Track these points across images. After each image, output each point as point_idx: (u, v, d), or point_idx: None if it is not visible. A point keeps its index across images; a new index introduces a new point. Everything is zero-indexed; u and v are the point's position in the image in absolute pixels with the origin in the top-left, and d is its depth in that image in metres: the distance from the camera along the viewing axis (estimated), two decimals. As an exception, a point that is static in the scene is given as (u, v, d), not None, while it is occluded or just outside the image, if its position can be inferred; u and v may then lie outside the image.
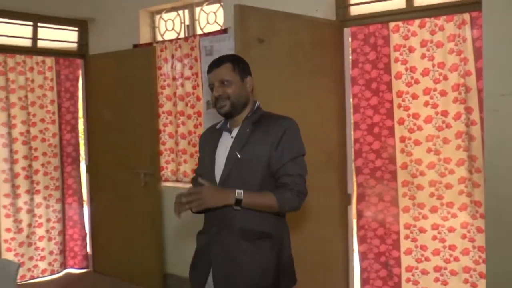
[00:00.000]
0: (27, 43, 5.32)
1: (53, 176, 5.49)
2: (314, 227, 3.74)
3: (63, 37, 5.58)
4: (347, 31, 3.94)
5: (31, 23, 5.30)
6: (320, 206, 3.73)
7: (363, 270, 4.00)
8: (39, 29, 5.36)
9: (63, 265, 5.60)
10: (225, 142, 2.55)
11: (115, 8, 5.40)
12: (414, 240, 3.77)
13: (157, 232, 4.96)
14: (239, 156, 2.46)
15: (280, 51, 3.57)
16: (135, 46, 5.16)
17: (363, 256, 4.00)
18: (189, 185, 4.87)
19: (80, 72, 5.70)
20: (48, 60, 5.44)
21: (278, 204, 2.39)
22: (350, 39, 3.96)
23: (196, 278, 2.61)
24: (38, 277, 5.38)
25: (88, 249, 5.76)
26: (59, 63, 5.53)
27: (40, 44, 5.40)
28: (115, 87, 5.25)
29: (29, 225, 5.30)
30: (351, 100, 4.00)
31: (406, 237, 3.80)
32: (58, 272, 5.53)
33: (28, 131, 5.30)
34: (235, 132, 2.55)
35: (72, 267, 5.67)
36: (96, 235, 5.63)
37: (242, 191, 2.35)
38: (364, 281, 4.01)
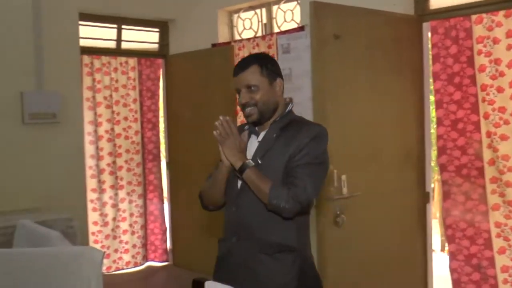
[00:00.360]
0: (112, 45, 5.61)
1: (136, 172, 5.73)
2: (392, 225, 3.70)
3: (145, 38, 5.83)
4: (426, 25, 3.86)
5: (115, 26, 5.57)
6: (398, 204, 3.71)
7: (452, 271, 3.86)
8: (123, 31, 5.62)
9: (145, 258, 5.83)
10: (252, 145, 2.43)
11: (194, 9, 5.57)
12: (506, 239, 3.59)
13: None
14: (259, 162, 2.33)
15: (356, 47, 3.56)
16: (213, 45, 5.29)
17: (452, 256, 3.86)
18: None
19: (161, 71, 5.92)
20: (131, 61, 5.69)
21: (269, 194, 2.23)
22: (429, 33, 3.86)
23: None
24: (122, 268, 5.64)
25: (168, 244, 5.96)
26: (141, 63, 5.77)
27: (124, 45, 5.67)
28: (194, 86, 5.40)
29: (114, 219, 5.58)
30: (431, 95, 3.93)
31: (498, 235, 3.62)
32: (140, 265, 5.77)
33: (112, 129, 5.57)
34: (262, 136, 2.42)
35: (153, 260, 5.89)
36: (176, 230, 5.83)
37: (253, 164, 2.26)
38: (455, 283, 3.85)
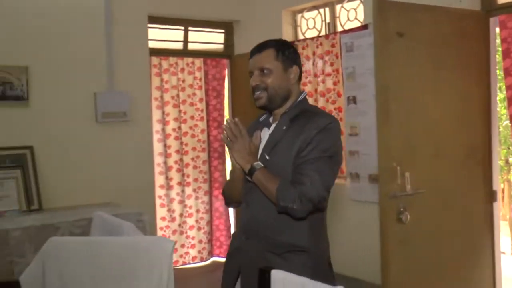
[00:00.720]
0: (179, 46, 5.81)
1: (202, 169, 5.91)
2: (457, 223, 3.67)
3: (210, 39, 6.00)
4: (493, 20, 3.79)
5: (182, 28, 5.76)
6: (463, 202, 3.68)
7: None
8: (189, 33, 5.80)
9: (210, 254, 6.00)
10: (264, 138, 2.37)
11: (259, 9, 5.70)
12: None
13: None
14: (267, 158, 2.27)
15: (420, 44, 3.54)
16: None
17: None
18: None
19: (226, 71, 6.08)
20: (197, 61, 5.87)
21: (276, 194, 2.16)
22: (497, 28, 3.80)
23: (225, 281, 2.48)
24: (189, 263, 5.84)
25: None
26: (207, 63, 5.94)
27: (190, 46, 5.86)
28: None
29: (181, 215, 5.78)
30: (501, 92, 3.85)
31: None
32: (206, 260, 5.96)
33: (179, 128, 5.77)
34: (272, 128, 2.36)
35: (218, 255, 6.04)
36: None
37: (262, 166, 2.20)
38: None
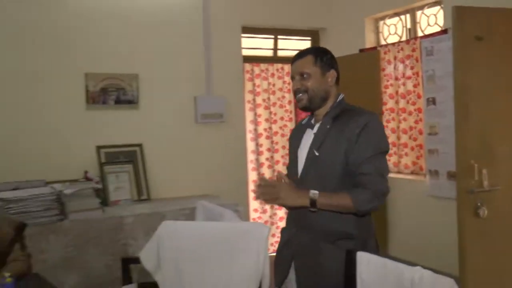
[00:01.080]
0: (269, 53, 6.03)
1: None
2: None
3: (298, 46, 6.10)
4: None
5: (272, 36, 5.98)
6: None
7: None
8: (279, 41, 5.99)
9: None
10: (308, 138, 2.46)
11: (343, 17, 5.81)
12: None
13: (380, 219, 5.19)
14: (316, 154, 2.34)
15: (498, 47, 3.62)
16: (361, 50, 5.51)
17: None
18: (409, 177, 5.16)
19: None
20: (286, 67, 6.08)
21: (353, 204, 2.24)
22: None
23: (278, 273, 2.54)
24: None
25: None
26: None
27: (280, 53, 6.06)
28: (344, 88, 5.57)
29: (272, 207, 6.03)
30: None
31: None
32: None
33: (270, 128, 6.06)
34: (316, 128, 2.44)
35: None
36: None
37: (317, 192, 2.25)
38: None
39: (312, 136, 2.43)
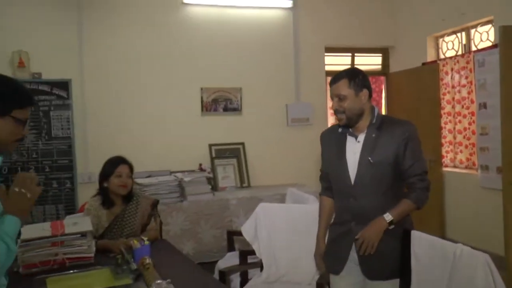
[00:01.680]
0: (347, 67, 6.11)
1: None
2: None
3: (370, 61, 6.15)
4: None
5: (350, 54, 6.01)
6: None
7: None
8: (355, 58, 6.01)
9: None
10: (353, 146, 2.36)
11: (409, 36, 5.75)
12: None
13: (439, 207, 5.18)
14: (371, 160, 2.29)
15: None
16: (423, 64, 5.46)
17: None
18: (463, 171, 5.06)
19: (383, 86, 6.19)
20: None
21: (416, 206, 2.29)
22: None
23: (335, 261, 2.45)
24: None
25: None
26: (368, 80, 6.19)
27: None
28: (407, 96, 5.58)
29: None
30: None
31: None
32: None
33: None
34: (361, 137, 2.35)
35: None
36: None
37: (388, 215, 2.24)
38: None
39: (358, 144, 2.35)
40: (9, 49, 4.60)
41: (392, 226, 2.25)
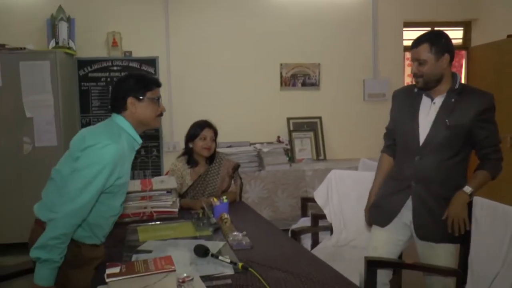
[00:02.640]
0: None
1: None
2: None
3: (451, 35, 5.78)
4: None
5: (429, 28, 5.61)
6: None
7: None
8: None
9: None
10: (427, 107, 2.31)
11: (494, 8, 5.45)
12: None
13: None
14: (448, 123, 2.23)
15: None
16: (508, 36, 5.14)
17: None
18: None
19: (463, 61, 5.90)
20: None
21: (491, 176, 2.25)
22: None
23: (385, 214, 2.44)
24: None
25: None
26: None
27: None
28: (490, 70, 5.35)
29: None
30: None
31: None
32: None
33: None
34: (438, 100, 2.29)
35: None
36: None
37: (468, 187, 2.20)
38: None
39: (434, 106, 2.30)
40: (104, 31, 4.94)
41: (472, 198, 2.22)
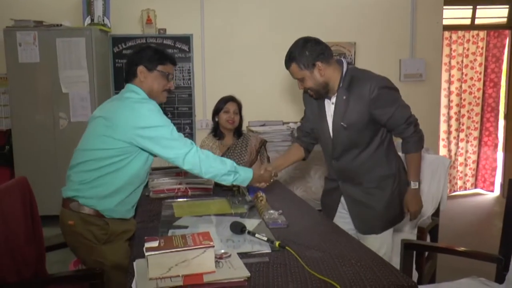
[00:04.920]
0: (467, 22, 5.70)
1: (474, 120, 5.90)
2: None
3: (495, 14, 5.71)
4: None
5: (470, 7, 5.63)
6: None
7: None
8: (477, 11, 5.62)
9: (474, 185, 6.04)
10: (329, 108, 2.30)
11: None
12: None
13: None
14: (344, 125, 2.21)
15: None
16: None
17: None
18: None
19: (507, 40, 5.74)
20: (481, 33, 5.71)
21: (419, 153, 2.25)
22: None
23: (327, 211, 2.50)
24: (455, 190, 5.94)
25: (499, 179, 5.97)
26: (490, 35, 5.74)
27: (477, 21, 5.68)
28: None
29: (455, 154, 5.90)
30: None
31: None
32: (469, 189, 6.02)
33: (460, 86, 5.80)
34: (333, 99, 2.25)
35: (481, 188, 6.02)
36: (510, 170, 5.84)
37: (411, 182, 2.23)
38: None
39: (332, 106, 2.28)
40: (139, 8, 4.93)
41: (419, 186, 2.26)
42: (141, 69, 2.14)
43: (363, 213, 2.33)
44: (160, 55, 2.19)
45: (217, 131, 3.33)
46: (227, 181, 2.18)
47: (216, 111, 3.31)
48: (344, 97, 2.21)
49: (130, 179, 2.10)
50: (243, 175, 2.22)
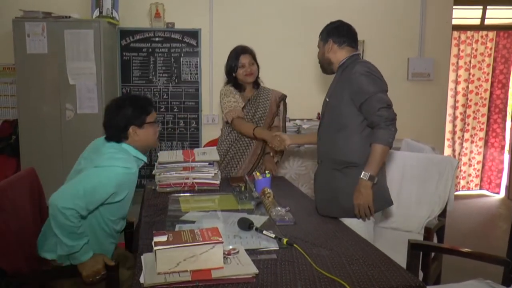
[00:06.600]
0: (476, 22, 5.66)
1: (480, 120, 5.88)
2: None
3: (505, 15, 5.68)
4: None
5: (480, 7, 5.59)
6: None
7: None
8: (487, 11, 5.58)
9: (478, 186, 6.01)
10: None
11: None
12: None
13: None
14: (327, 100, 2.39)
15: None
16: None
17: None
18: None
19: None
20: (491, 34, 5.68)
21: (386, 145, 2.19)
22: None
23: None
24: (458, 190, 5.90)
25: (505, 180, 5.94)
26: (499, 35, 5.72)
27: (486, 22, 5.64)
28: None
29: (459, 154, 5.88)
30: None
31: None
32: (473, 190, 6.00)
33: (467, 87, 5.78)
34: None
35: (487, 190, 6.00)
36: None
37: (364, 173, 2.15)
38: None
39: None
40: (147, 1, 4.90)
41: (376, 180, 2.17)
42: (133, 129, 2.20)
43: (323, 192, 2.37)
44: (142, 107, 2.23)
45: (236, 85, 3.21)
46: (64, 241, 1.93)
47: (231, 70, 3.18)
48: (337, 76, 2.39)
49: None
50: (81, 251, 1.96)
